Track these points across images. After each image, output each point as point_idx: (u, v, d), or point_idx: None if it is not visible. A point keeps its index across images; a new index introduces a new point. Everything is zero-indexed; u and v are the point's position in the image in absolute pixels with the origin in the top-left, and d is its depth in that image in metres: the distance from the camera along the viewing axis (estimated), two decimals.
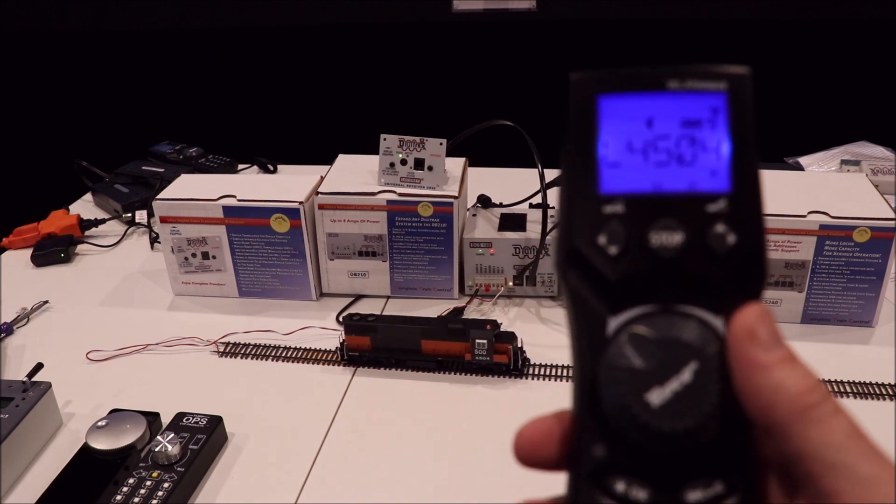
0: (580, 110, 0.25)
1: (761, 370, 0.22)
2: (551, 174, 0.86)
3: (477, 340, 0.72)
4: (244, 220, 0.85)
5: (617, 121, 0.25)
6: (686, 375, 0.23)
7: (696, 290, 0.24)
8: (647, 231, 0.24)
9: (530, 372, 0.74)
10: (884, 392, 0.71)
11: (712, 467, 0.23)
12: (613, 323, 0.24)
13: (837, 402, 0.21)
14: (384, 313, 0.85)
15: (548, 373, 0.74)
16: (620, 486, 0.23)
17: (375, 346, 0.75)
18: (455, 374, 0.75)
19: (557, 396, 0.71)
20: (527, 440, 0.25)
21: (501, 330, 0.73)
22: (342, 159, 0.93)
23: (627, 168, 0.25)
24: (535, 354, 0.76)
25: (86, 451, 0.64)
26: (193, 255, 0.88)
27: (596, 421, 0.24)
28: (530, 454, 0.25)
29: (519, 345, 0.74)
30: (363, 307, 0.87)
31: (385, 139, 0.85)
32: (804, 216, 0.76)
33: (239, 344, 0.81)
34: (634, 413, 0.23)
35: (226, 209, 0.85)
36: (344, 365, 0.77)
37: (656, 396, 0.23)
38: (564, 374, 0.74)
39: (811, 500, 0.22)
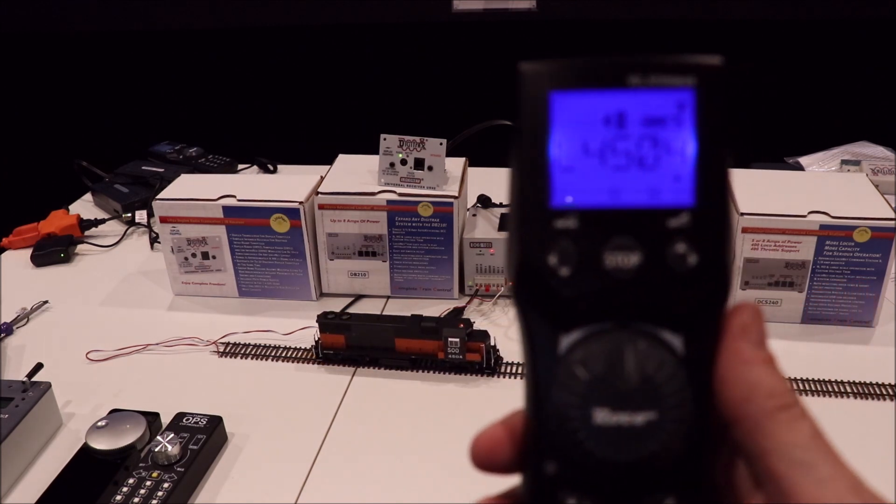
0: (530, 107, 0.23)
1: (745, 363, 0.23)
2: None
3: (450, 339, 0.73)
4: (244, 220, 0.85)
5: (571, 120, 0.22)
6: (639, 400, 0.22)
7: (654, 310, 0.23)
8: (602, 250, 0.22)
9: (503, 370, 0.75)
10: (884, 392, 0.71)
11: (665, 484, 0.23)
12: (565, 341, 0.23)
13: (805, 407, 0.23)
14: (384, 313, 0.85)
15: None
16: (571, 502, 0.23)
17: (350, 344, 0.76)
18: (428, 372, 0.76)
19: None
20: (481, 449, 0.25)
21: (476, 328, 0.74)
22: (342, 159, 0.93)
23: (582, 174, 0.22)
24: None
25: (86, 451, 0.64)
26: (193, 255, 0.88)
27: (546, 439, 0.23)
28: (485, 461, 0.25)
29: (492, 343, 0.74)
30: (363, 307, 0.88)
31: (385, 139, 0.84)
32: (804, 216, 0.76)
33: (239, 344, 0.81)
34: (581, 439, 0.22)
35: (226, 209, 0.85)
36: (319, 363, 0.77)
37: (605, 420, 0.22)
38: None
39: (769, 498, 0.22)
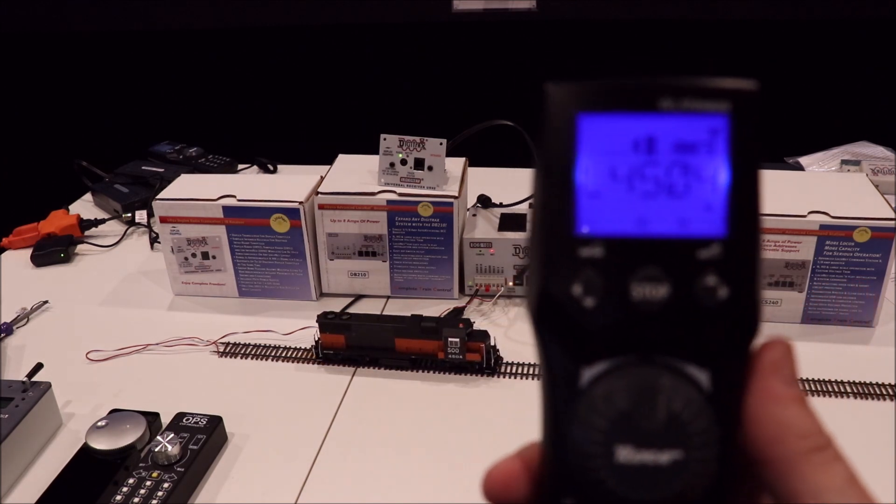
0: (556, 129, 0.22)
1: (776, 402, 0.22)
2: None
3: (450, 339, 0.73)
4: (244, 220, 0.85)
5: (598, 143, 0.22)
6: (664, 438, 0.21)
7: (681, 344, 0.22)
8: (628, 281, 0.21)
9: (503, 370, 0.75)
10: (884, 392, 0.71)
11: None
12: (587, 374, 0.22)
13: (839, 449, 0.22)
14: (384, 313, 0.85)
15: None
16: None
17: (350, 344, 0.76)
18: (428, 372, 0.76)
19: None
20: (495, 482, 0.24)
21: (476, 328, 0.74)
22: (342, 159, 0.93)
23: (608, 201, 0.22)
24: (533, 354, 0.76)
25: (86, 451, 0.64)
26: (193, 255, 0.88)
27: (565, 476, 0.22)
28: (500, 496, 0.24)
29: (492, 343, 0.74)
30: (363, 307, 0.88)
31: (385, 139, 0.85)
32: (804, 216, 0.76)
33: (239, 344, 0.81)
34: (602, 477, 0.21)
35: (226, 209, 0.85)
36: (319, 363, 0.77)
37: (628, 459, 0.21)
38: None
39: None
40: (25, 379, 0.69)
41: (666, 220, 0.21)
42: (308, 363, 0.78)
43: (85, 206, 1.18)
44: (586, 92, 0.22)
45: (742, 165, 0.21)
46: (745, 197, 0.21)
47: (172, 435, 0.63)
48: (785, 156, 1.24)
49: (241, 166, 1.28)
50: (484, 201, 0.96)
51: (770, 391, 0.22)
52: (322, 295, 0.90)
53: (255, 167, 1.28)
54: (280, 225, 0.84)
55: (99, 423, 0.65)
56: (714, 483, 0.22)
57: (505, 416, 0.69)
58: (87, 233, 1.08)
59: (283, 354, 0.79)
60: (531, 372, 0.75)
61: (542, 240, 0.22)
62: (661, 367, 0.22)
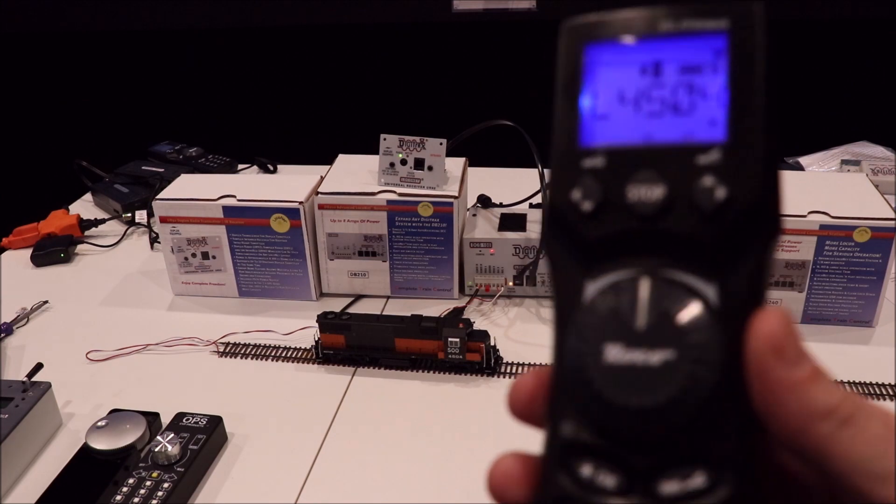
0: (567, 61, 0.23)
1: (789, 391, 0.20)
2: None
3: (449, 339, 0.73)
4: (244, 220, 0.85)
5: (604, 70, 0.23)
6: (663, 348, 0.20)
7: (683, 253, 0.21)
8: (625, 185, 0.22)
9: (503, 370, 0.75)
10: (884, 392, 0.71)
11: (693, 454, 0.20)
12: (591, 288, 0.22)
13: (868, 406, 0.20)
14: (384, 313, 0.85)
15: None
16: (586, 470, 0.21)
17: (350, 344, 0.76)
18: (428, 372, 0.76)
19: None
20: (497, 480, 0.23)
21: (476, 328, 0.74)
22: (342, 159, 0.93)
23: (615, 120, 0.22)
24: (533, 354, 0.76)
25: (86, 451, 0.64)
26: (193, 255, 0.88)
27: (564, 395, 0.22)
28: (501, 495, 0.23)
29: (492, 343, 0.74)
30: (363, 307, 0.88)
31: (385, 139, 0.84)
32: (804, 216, 0.76)
33: (239, 344, 0.81)
34: (598, 387, 0.21)
35: (226, 209, 0.85)
36: (319, 363, 0.77)
37: (617, 358, 0.21)
38: None
39: None
40: (25, 379, 0.69)
41: (667, 131, 0.22)
42: (308, 363, 0.78)
43: (85, 206, 1.18)
44: (594, 24, 0.23)
45: (744, 76, 0.21)
46: (748, 105, 0.21)
47: (172, 435, 0.63)
48: (785, 156, 1.24)
49: (241, 166, 1.28)
50: (484, 201, 0.96)
51: (780, 382, 0.20)
52: (322, 295, 0.90)
53: (255, 167, 1.28)
54: (280, 225, 0.84)
55: (99, 423, 0.65)
56: (714, 395, 0.20)
57: (505, 416, 0.68)
58: (87, 233, 1.08)
59: (283, 354, 0.79)
60: None
61: (553, 158, 0.23)
62: (659, 276, 0.21)
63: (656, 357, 0.20)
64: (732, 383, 0.20)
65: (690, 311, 0.21)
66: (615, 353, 0.21)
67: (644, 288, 0.21)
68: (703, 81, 0.22)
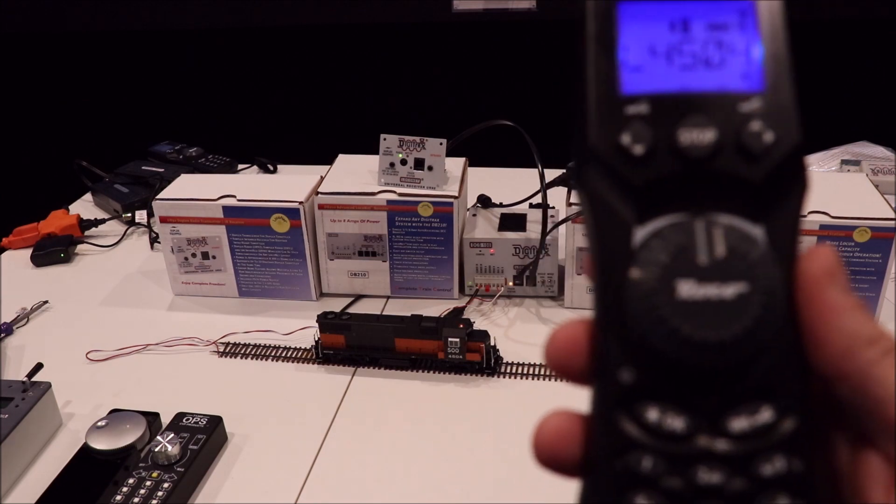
0: (599, 14, 0.23)
1: (839, 313, 0.21)
2: (551, 174, 0.86)
3: (449, 339, 0.73)
4: (244, 220, 0.85)
5: (636, 25, 0.23)
6: (727, 282, 0.21)
7: (733, 196, 0.22)
8: (676, 129, 0.22)
9: (503, 370, 0.75)
10: None
11: (761, 387, 0.21)
12: (640, 233, 0.22)
13: None
14: (384, 313, 0.85)
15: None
16: (653, 415, 0.21)
17: (350, 344, 0.76)
18: (428, 372, 0.76)
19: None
20: (548, 438, 0.23)
21: (476, 328, 0.74)
22: (342, 159, 0.93)
23: (650, 71, 0.23)
24: (534, 354, 0.76)
25: (86, 451, 0.64)
26: (193, 255, 0.88)
27: (621, 339, 0.22)
28: (551, 454, 0.23)
29: (492, 343, 0.74)
30: (363, 307, 0.88)
31: (385, 139, 0.85)
32: (804, 216, 0.76)
33: (239, 344, 0.81)
34: (674, 323, 0.21)
35: (226, 209, 0.85)
36: (319, 363, 0.77)
37: (689, 301, 0.21)
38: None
39: (889, 451, 0.21)
40: (25, 379, 0.69)
41: (703, 82, 0.23)
42: (308, 363, 0.78)
43: (85, 206, 1.18)
44: None
45: (772, 32, 0.23)
46: (778, 59, 0.23)
47: (172, 435, 0.63)
48: None
49: (241, 166, 1.28)
50: (484, 201, 0.96)
51: (830, 303, 0.21)
52: (322, 295, 0.90)
53: (254, 167, 1.28)
54: (280, 225, 0.84)
55: (99, 423, 0.65)
56: (781, 327, 0.21)
57: (505, 417, 0.69)
58: (87, 233, 1.08)
59: (283, 354, 0.79)
60: (531, 372, 0.75)
61: (589, 102, 0.23)
62: (716, 222, 0.22)
63: (730, 290, 0.21)
64: (792, 315, 0.22)
65: (756, 247, 0.21)
66: (688, 289, 0.21)
67: (705, 227, 0.22)
68: (730, 38, 0.23)
